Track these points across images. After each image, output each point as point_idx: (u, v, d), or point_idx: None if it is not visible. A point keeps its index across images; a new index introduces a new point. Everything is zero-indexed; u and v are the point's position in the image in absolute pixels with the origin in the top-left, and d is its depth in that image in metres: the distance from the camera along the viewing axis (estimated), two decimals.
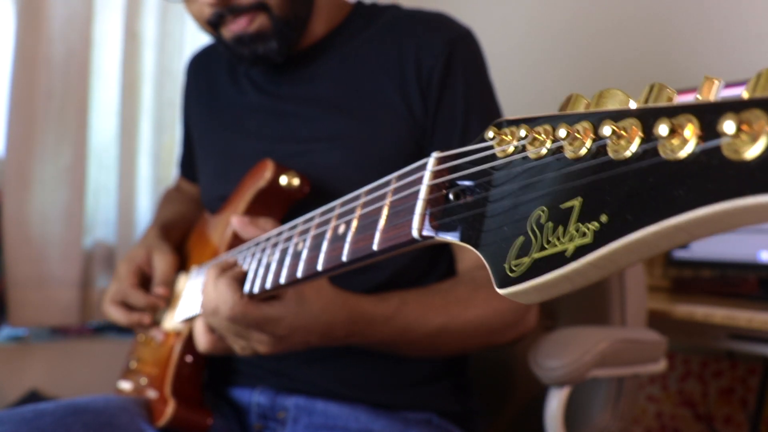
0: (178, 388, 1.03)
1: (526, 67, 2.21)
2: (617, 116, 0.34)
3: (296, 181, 1.01)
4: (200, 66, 1.32)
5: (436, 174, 0.49)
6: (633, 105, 0.36)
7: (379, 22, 1.12)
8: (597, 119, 0.36)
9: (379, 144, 1.04)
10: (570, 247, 0.34)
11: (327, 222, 0.65)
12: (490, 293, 0.96)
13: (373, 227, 0.55)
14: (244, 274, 0.82)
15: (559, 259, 0.35)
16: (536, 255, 0.36)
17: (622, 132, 0.33)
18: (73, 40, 1.69)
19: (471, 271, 1.03)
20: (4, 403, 1.63)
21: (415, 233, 0.48)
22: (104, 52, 1.83)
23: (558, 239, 0.35)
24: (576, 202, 0.35)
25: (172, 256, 1.14)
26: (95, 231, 1.84)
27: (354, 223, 0.59)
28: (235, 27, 1.03)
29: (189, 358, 1.05)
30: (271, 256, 0.76)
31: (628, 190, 0.32)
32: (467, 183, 0.45)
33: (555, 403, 1.07)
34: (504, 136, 0.41)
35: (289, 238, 0.74)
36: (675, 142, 0.30)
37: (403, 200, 0.52)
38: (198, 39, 1.86)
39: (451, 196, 0.47)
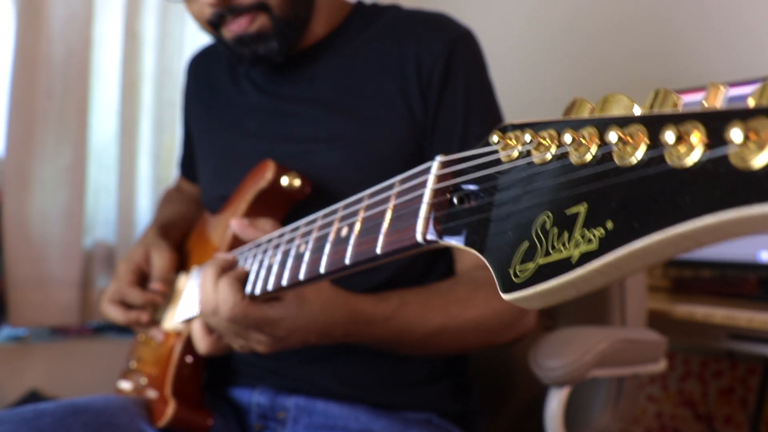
0: (179, 388, 1.03)
1: (526, 67, 2.21)
2: (623, 122, 0.34)
3: (297, 182, 1.01)
4: (200, 66, 1.32)
5: (440, 178, 0.49)
6: (638, 110, 0.35)
7: (379, 22, 1.12)
8: (602, 125, 0.35)
9: (380, 144, 1.04)
10: (575, 253, 0.34)
11: (330, 224, 0.65)
12: (490, 293, 0.96)
13: (377, 230, 0.54)
14: (246, 274, 0.82)
15: (564, 266, 0.35)
16: (541, 261, 0.36)
17: (628, 138, 0.33)
18: (73, 40, 1.69)
19: (470, 271, 1.03)
20: (4, 403, 1.63)
21: (419, 237, 0.48)
22: (104, 52, 1.82)
23: (563, 245, 0.35)
24: (581, 208, 0.35)
25: (170, 253, 1.14)
26: (95, 231, 1.84)
27: (357, 226, 0.59)
28: (235, 27, 1.03)
29: (189, 359, 1.05)
30: (273, 258, 0.76)
31: (633, 197, 0.32)
32: (471, 187, 0.45)
33: (555, 403, 1.07)
34: (508, 141, 0.41)
35: (291, 240, 0.74)
36: (681, 149, 0.30)
37: (406, 204, 0.52)
38: (198, 39, 1.85)
39: (455, 200, 0.47)
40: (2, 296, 1.64)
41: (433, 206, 0.48)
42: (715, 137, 0.29)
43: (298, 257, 0.69)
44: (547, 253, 0.36)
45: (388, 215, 0.54)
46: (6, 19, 1.67)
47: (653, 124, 0.32)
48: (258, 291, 0.77)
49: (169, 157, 1.94)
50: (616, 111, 0.36)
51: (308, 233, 0.70)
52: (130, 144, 1.85)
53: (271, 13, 1.03)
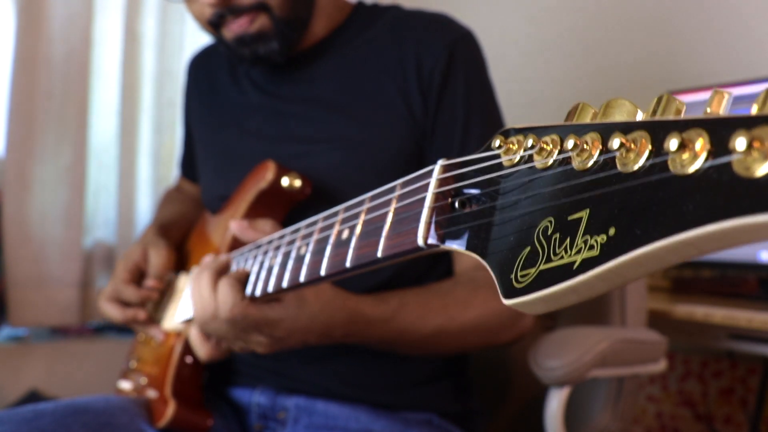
0: (179, 388, 1.03)
1: (527, 67, 2.20)
2: (626, 128, 0.34)
3: (298, 183, 1.01)
4: (201, 66, 1.32)
5: (442, 182, 0.49)
6: (640, 116, 0.35)
7: (379, 22, 1.12)
8: (606, 131, 0.35)
9: (380, 145, 1.04)
10: (577, 259, 0.34)
11: (331, 226, 0.65)
12: (489, 295, 0.96)
13: (378, 234, 0.54)
14: (247, 275, 0.81)
15: (566, 272, 0.35)
16: (543, 266, 0.36)
17: (632, 145, 0.33)
18: (73, 40, 1.68)
19: (470, 272, 1.03)
20: (4, 403, 1.63)
21: (420, 241, 0.48)
22: (104, 52, 1.82)
23: (565, 251, 0.35)
24: (583, 214, 0.35)
25: (167, 251, 1.14)
26: (95, 231, 1.84)
27: (358, 229, 0.59)
28: (236, 27, 1.03)
29: (189, 359, 1.05)
30: (273, 259, 0.76)
31: (636, 204, 0.32)
32: (473, 191, 0.45)
33: (555, 403, 1.07)
34: (511, 145, 0.41)
35: (291, 242, 0.74)
36: (685, 156, 0.30)
37: (408, 207, 0.52)
38: (198, 39, 1.85)
39: (456, 205, 0.47)
40: (2, 296, 1.64)
41: (435, 210, 0.48)
42: (719, 145, 0.29)
43: (299, 259, 0.69)
44: (549, 259, 0.36)
45: (390, 218, 0.54)
46: (6, 19, 1.67)
47: (656, 131, 0.32)
48: (258, 292, 0.77)
49: (169, 157, 1.94)
50: (619, 116, 0.36)
51: (309, 235, 0.70)
52: (130, 144, 1.84)
53: (272, 14, 1.03)
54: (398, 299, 0.93)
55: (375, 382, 1.05)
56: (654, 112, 0.34)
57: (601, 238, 0.33)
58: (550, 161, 0.38)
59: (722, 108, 0.31)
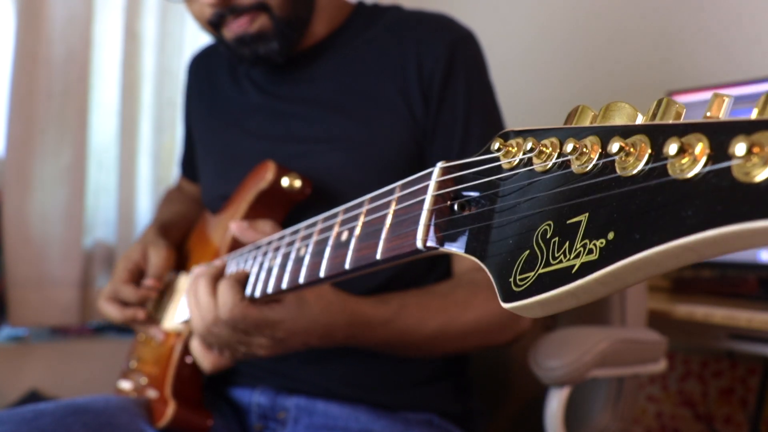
0: (179, 388, 1.03)
1: (527, 68, 2.20)
2: (625, 132, 0.34)
3: (298, 183, 1.01)
4: (201, 66, 1.32)
5: (441, 184, 0.49)
6: (640, 119, 0.35)
7: (380, 23, 1.12)
8: (605, 134, 0.35)
9: (380, 145, 1.04)
10: (576, 263, 0.34)
11: (330, 228, 0.65)
12: (489, 296, 0.96)
13: (377, 236, 0.54)
14: (246, 276, 0.81)
15: (565, 276, 0.34)
16: (542, 270, 0.36)
17: (631, 149, 0.33)
18: (73, 40, 1.68)
19: (469, 273, 1.03)
20: (4, 403, 1.63)
21: (419, 244, 0.48)
22: (104, 52, 1.82)
23: (564, 255, 0.35)
24: (582, 218, 0.34)
25: (167, 251, 1.14)
26: (95, 231, 1.84)
27: (357, 231, 0.59)
28: (236, 27, 1.03)
29: (189, 359, 1.05)
30: (273, 260, 0.76)
31: (635, 208, 0.32)
32: (473, 194, 0.45)
33: (555, 403, 1.07)
34: (510, 148, 0.41)
35: (291, 243, 0.74)
36: (684, 161, 0.30)
37: (407, 209, 0.52)
38: (198, 39, 1.85)
39: (456, 207, 0.47)
40: (2, 296, 1.64)
41: (434, 213, 0.48)
42: (719, 150, 0.29)
43: (298, 260, 0.69)
44: (548, 263, 0.36)
45: (389, 220, 0.54)
46: (6, 20, 1.67)
47: (656, 135, 0.32)
48: (258, 293, 0.77)
49: (169, 157, 1.94)
50: (619, 120, 0.36)
51: (308, 236, 0.69)
52: (130, 144, 1.84)
53: (272, 14, 1.03)
54: (398, 301, 0.93)
55: (375, 382, 1.05)
56: (654, 116, 0.34)
57: (600, 243, 0.33)
58: (549, 164, 0.38)
59: (722, 112, 0.31)
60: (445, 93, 1.03)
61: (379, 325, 0.90)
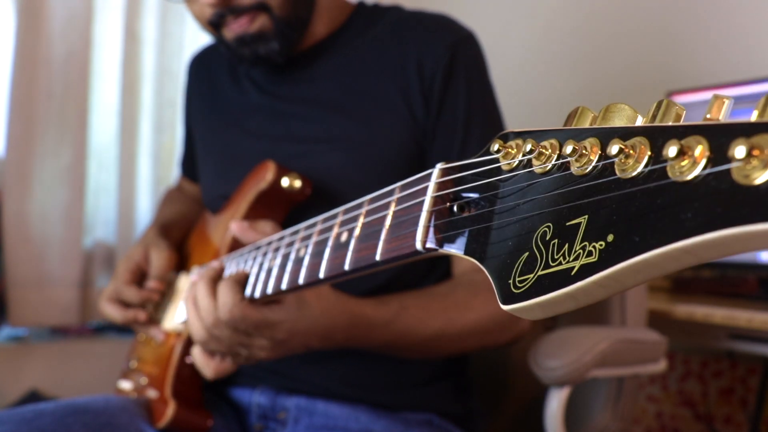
0: (179, 389, 1.03)
1: (527, 68, 2.20)
2: (625, 134, 0.34)
3: (298, 183, 1.01)
4: (201, 65, 1.32)
5: (441, 186, 0.49)
6: (640, 120, 0.35)
7: (381, 23, 1.12)
8: (605, 136, 0.35)
9: (380, 146, 1.04)
10: (575, 265, 0.34)
11: (329, 229, 0.65)
12: (488, 297, 0.96)
13: (376, 237, 0.54)
14: (246, 277, 0.81)
15: (564, 278, 0.34)
16: (541, 272, 0.36)
17: (630, 151, 0.32)
18: (73, 40, 1.68)
19: (469, 274, 1.03)
20: (4, 403, 1.63)
21: (418, 245, 0.48)
22: (104, 52, 1.82)
23: (563, 257, 0.35)
24: (582, 220, 0.34)
25: (169, 252, 1.14)
26: (95, 231, 1.84)
27: (357, 232, 0.59)
28: (236, 27, 1.03)
29: (189, 359, 1.05)
30: (273, 261, 0.76)
31: (635, 210, 0.32)
32: (472, 195, 0.45)
33: (555, 403, 1.07)
34: (509, 149, 0.41)
35: (291, 244, 0.74)
36: (684, 163, 0.29)
37: (406, 211, 0.52)
38: (198, 39, 1.85)
39: (455, 209, 0.46)
40: (2, 296, 1.64)
41: (434, 214, 0.48)
42: (719, 152, 0.29)
43: (298, 261, 0.69)
44: (547, 265, 0.36)
45: (388, 222, 0.54)
46: (6, 19, 1.67)
47: (656, 137, 0.32)
48: (257, 294, 0.77)
49: (169, 157, 1.94)
50: (619, 121, 0.36)
51: (308, 237, 0.69)
52: (130, 144, 1.84)
53: (272, 14, 1.02)
54: (399, 302, 0.93)
55: (375, 382, 1.05)
56: (654, 117, 0.34)
57: (600, 245, 0.33)
58: (549, 166, 0.38)
59: (722, 114, 0.31)
60: (446, 93, 1.03)
61: (380, 327, 0.90)
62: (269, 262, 0.77)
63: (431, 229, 0.48)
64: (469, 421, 1.11)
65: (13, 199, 1.63)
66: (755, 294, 1.52)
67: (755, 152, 0.26)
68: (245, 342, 0.83)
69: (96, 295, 1.74)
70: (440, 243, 0.47)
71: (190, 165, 1.39)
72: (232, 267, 0.88)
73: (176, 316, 1.07)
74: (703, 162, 0.29)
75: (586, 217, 0.34)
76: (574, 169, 0.36)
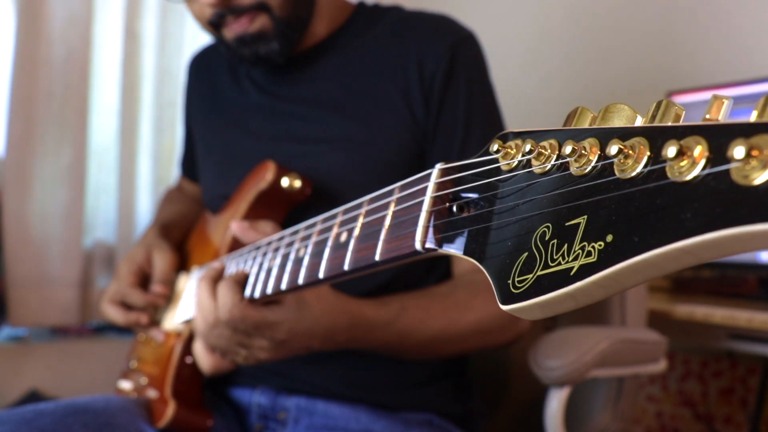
0: (179, 389, 1.03)
1: (527, 69, 2.20)
2: (624, 134, 0.34)
3: (298, 183, 1.01)
4: (201, 65, 1.32)
5: (440, 186, 0.49)
6: (639, 121, 0.35)
7: (381, 23, 1.12)
8: (604, 136, 0.35)
9: (381, 146, 1.04)
10: (575, 266, 0.34)
11: (329, 229, 0.65)
12: (488, 297, 0.96)
13: (376, 237, 0.54)
14: (246, 277, 0.81)
15: (564, 278, 0.34)
16: (540, 272, 0.36)
17: (630, 151, 0.32)
18: (73, 40, 1.68)
19: (469, 274, 1.03)
20: (4, 403, 1.63)
21: (418, 245, 0.48)
22: (104, 53, 1.82)
23: (563, 257, 0.35)
24: (581, 220, 0.34)
25: (171, 254, 1.14)
26: (95, 231, 1.84)
27: (356, 232, 0.59)
28: (236, 27, 1.03)
29: (189, 359, 1.05)
30: (273, 261, 0.76)
31: (634, 211, 0.32)
32: (471, 195, 0.45)
33: (555, 403, 1.07)
34: (509, 150, 0.41)
35: (290, 244, 0.74)
36: (683, 163, 0.29)
37: (406, 211, 0.52)
38: (198, 39, 1.85)
39: (454, 209, 0.46)
40: (2, 296, 1.64)
41: (433, 214, 0.48)
42: (718, 153, 0.29)
43: (298, 261, 0.69)
44: (547, 265, 0.36)
45: (388, 222, 0.54)
46: (6, 20, 1.67)
47: (655, 137, 0.32)
48: (257, 294, 0.77)
49: (169, 157, 1.94)
50: (618, 121, 0.36)
51: (308, 237, 0.69)
52: (130, 144, 1.84)
53: (272, 14, 1.02)
54: (399, 303, 0.93)
55: (375, 382, 1.05)
56: (653, 118, 0.34)
57: (599, 245, 0.33)
58: (548, 166, 0.38)
59: (721, 114, 0.31)
60: (446, 94, 1.03)
61: (380, 327, 0.90)
62: (269, 262, 0.77)
63: (431, 229, 0.48)
64: (469, 421, 1.11)
65: (13, 199, 1.63)
66: (755, 294, 1.52)
67: (754, 152, 0.26)
68: (245, 342, 0.83)
69: (96, 295, 1.75)
70: (439, 243, 0.47)
71: (190, 165, 1.39)
72: (232, 267, 0.88)
73: (176, 316, 1.07)
74: (703, 162, 0.29)
75: (586, 217, 0.34)
76: (574, 169, 0.36)
